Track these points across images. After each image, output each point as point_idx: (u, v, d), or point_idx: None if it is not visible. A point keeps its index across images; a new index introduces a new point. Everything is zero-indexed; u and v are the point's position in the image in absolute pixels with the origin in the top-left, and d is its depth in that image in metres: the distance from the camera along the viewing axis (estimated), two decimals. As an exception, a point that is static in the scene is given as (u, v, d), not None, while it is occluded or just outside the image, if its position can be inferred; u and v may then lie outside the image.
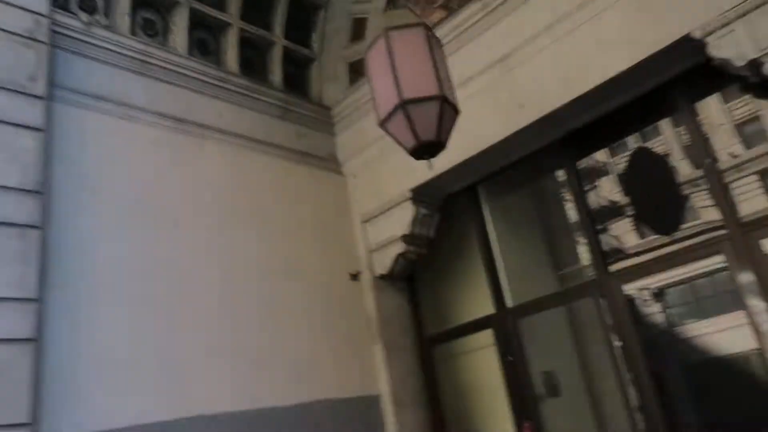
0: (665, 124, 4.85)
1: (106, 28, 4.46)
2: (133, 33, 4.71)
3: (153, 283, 4.13)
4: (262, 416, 4.35)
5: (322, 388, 4.82)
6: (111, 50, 4.45)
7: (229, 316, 4.48)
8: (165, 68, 4.77)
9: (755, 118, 4.39)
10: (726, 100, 4.40)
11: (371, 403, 5.19)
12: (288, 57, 5.96)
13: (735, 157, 4.28)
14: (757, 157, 4.29)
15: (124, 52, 4.52)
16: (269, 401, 4.44)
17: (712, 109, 4.35)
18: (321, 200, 5.65)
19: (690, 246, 4.32)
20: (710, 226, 4.28)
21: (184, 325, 4.19)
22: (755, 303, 3.83)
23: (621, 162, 5.21)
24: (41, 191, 3.62)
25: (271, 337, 4.67)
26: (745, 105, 4.43)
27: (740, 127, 4.34)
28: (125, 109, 4.45)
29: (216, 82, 5.12)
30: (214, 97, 5.11)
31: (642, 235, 5.04)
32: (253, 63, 5.71)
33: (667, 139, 5.04)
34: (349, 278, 5.54)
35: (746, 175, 4.25)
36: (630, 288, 4.62)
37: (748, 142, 4.35)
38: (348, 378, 5.08)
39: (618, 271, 4.63)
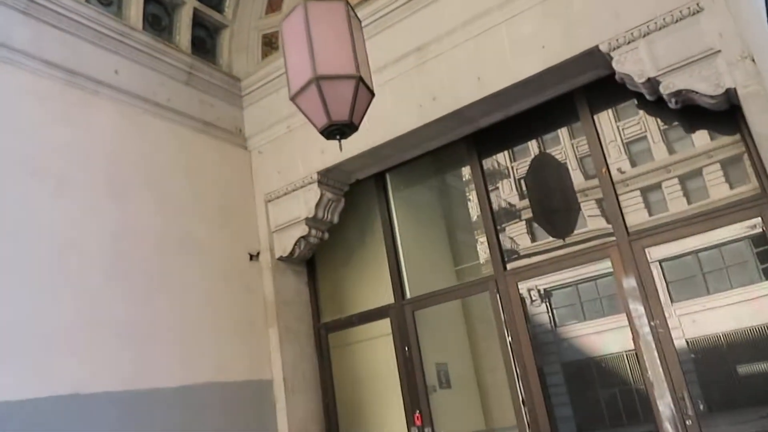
0: (563, 133, 5.11)
1: (-11, -42, 3.98)
2: (22, -32, 4.23)
3: (28, 246, 3.75)
4: (145, 397, 4.09)
5: (212, 370, 4.62)
6: (-9, -17, 3.98)
7: (116, 288, 4.17)
8: (57, 12, 4.33)
9: (642, 138, 4.75)
10: (619, 118, 4.72)
11: (263, 387, 5.04)
12: (198, 20, 5.63)
13: (622, 172, 4.58)
14: (639, 175, 4.64)
15: (8, -13, 4.06)
16: (153, 381, 4.18)
17: (606, 126, 4.65)
18: (223, 174, 5.40)
19: (581, 250, 4.55)
20: (601, 233, 4.52)
21: (62, 294, 3.84)
22: (636, 307, 4.09)
23: (521, 167, 5.41)
24: None
25: (159, 314, 4.40)
26: (635, 125, 4.77)
27: (628, 145, 4.70)
28: (6, 51, 3.99)
29: (115, 35, 4.72)
30: (111, 52, 4.72)
31: (537, 238, 5.26)
32: (159, 20, 5.33)
33: (564, 148, 5.29)
34: (248, 258, 5.35)
35: (631, 190, 4.57)
36: (522, 287, 4.83)
37: (633, 161, 4.70)
38: (240, 361, 4.90)
39: (515, 269, 4.79)
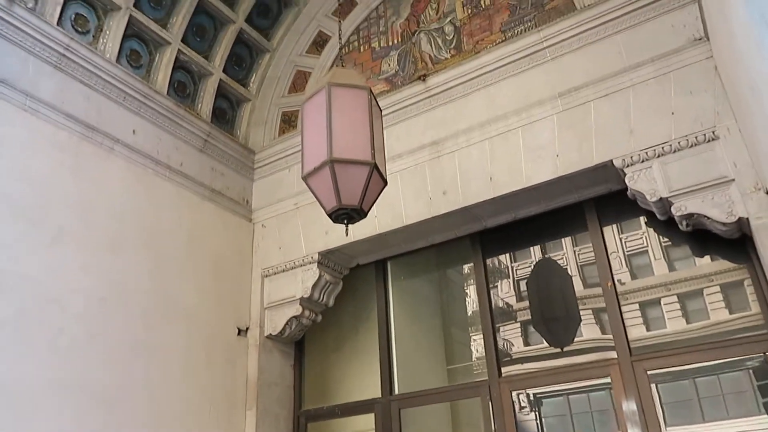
0: (566, 240, 5.10)
1: (31, 11, 4.12)
2: (60, 25, 4.38)
3: (12, 296, 3.62)
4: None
5: (177, 448, 4.35)
6: (29, 35, 4.09)
7: (93, 351, 3.99)
8: (86, 69, 4.44)
9: (643, 252, 4.73)
10: (622, 231, 4.74)
11: (228, 474, 4.73)
12: (222, 91, 5.78)
13: (622, 284, 4.52)
14: (639, 290, 4.58)
15: (45, 41, 4.17)
16: (113, 454, 3.92)
17: (609, 237, 4.65)
18: (223, 244, 5.34)
19: (581, 364, 4.39)
20: (599, 344, 4.39)
21: (34, 353, 3.67)
22: (635, 432, 3.88)
23: (521, 268, 5.36)
24: None
25: (136, 380, 4.20)
26: (638, 239, 4.77)
27: (630, 257, 4.68)
28: (30, 101, 4.04)
29: (139, 97, 4.82)
30: (133, 112, 4.79)
31: (531, 341, 5.10)
32: (184, 87, 5.46)
33: (566, 254, 5.25)
34: (236, 332, 5.18)
35: (629, 303, 4.50)
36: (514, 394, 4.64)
37: (633, 274, 4.65)
38: (209, 441, 4.62)
39: (510, 376, 4.61)
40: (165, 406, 4.34)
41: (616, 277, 4.46)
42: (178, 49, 5.28)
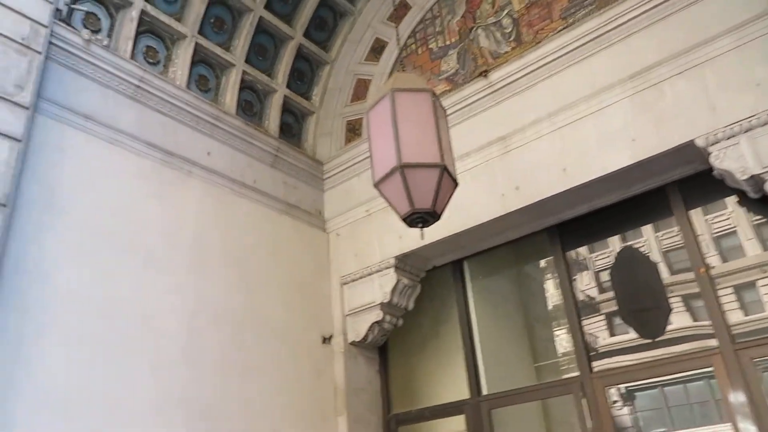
0: (647, 227, 4.90)
1: (106, 48, 4.36)
2: (133, 58, 4.62)
3: (110, 323, 3.83)
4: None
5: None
6: (107, 71, 4.33)
7: (189, 367, 4.17)
8: (160, 98, 4.66)
9: (732, 233, 4.46)
10: (707, 212, 4.48)
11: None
12: (287, 106, 5.92)
13: (712, 268, 4.28)
14: (731, 273, 4.32)
15: (121, 75, 4.41)
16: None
17: (696, 220, 4.41)
18: (302, 255, 5.45)
19: (679, 355, 4.19)
20: (694, 332, 4.20)
21: (137, 371, 3.87)
22: (746, 426, 3.64)
23: (599, 258, 5.19)
24: (5, 204, 3.39)
25: (231, 395, 4.36)
26: (725, 219, 4.49)
27: (718, 240, 4.40)
28: (112, 133, 4.28)
29: (210, 120, 5.01)
30: (206, 135, 4.98)
31: (616, 332, 4.93)
32: (251, 106, 5.64)
33: (648, 241, 5.04)
34: (321, 341, 5.28)
35: (722, 287, 4.25)
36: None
37: (723, 256, 4.39)
38: (305, 449, 4.73)
39: (602, 371, 4.46)
40: (260, 418, 4.48)
41: (705, 262, 4.23)
42: (243, 70, 5.46)
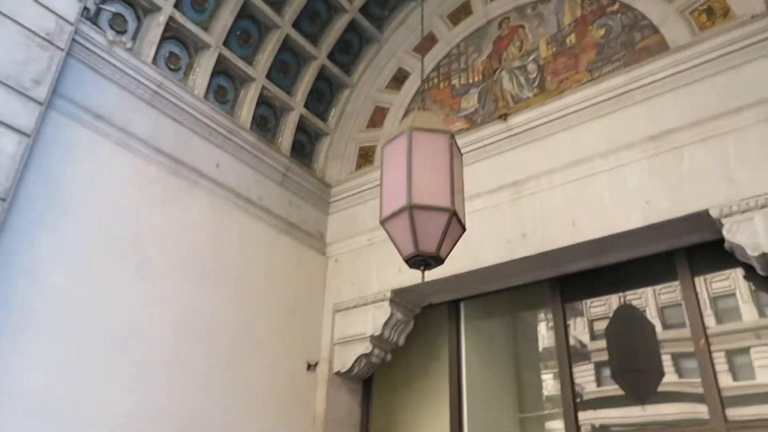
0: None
1: (129, 51, 4.36)
2: (155, 63, 4.61)
3: (93, 328, 3.76)
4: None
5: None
6: (127, 74, 4.32)
7: (170, 382, 4.09)
8: (176, 105, 4.64)
9: (730, 295, 4.45)
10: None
11: None
12: (301, 125, 5.90)
13: (707, 328, 4.23)
14: (725, 333, 4.30)
15: (140, 78, 4.40)
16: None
17: (701, 287, 4.38)
18: (297, 277, 5.38)
19: (668, 423, 4.11)
20: (687, 390, 4.18)
21: (116, 382, 3.79)
22: None
23: (594, 305, 5.15)
24: (4, 198, 3.35)
25: (210, 416, 4.26)
26: (724, 280, 4.48)
27: (715, 300, 4.41)
28: (123, 136, 4.26)
29: (224, 132, 4.98)
30: (217, 146, 4.95)
31: (603, 383, 4.87)
32: (266, 122, 5.62)
33: (647, 301, 5.00)
34: (306, 367, 5.19)
35: (717, 350, 4.19)
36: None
37: (719, 318, 4.38)
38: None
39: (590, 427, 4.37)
40: (234, 440, 4.39)
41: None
42: (263, 85, 5.45)
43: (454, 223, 3.07)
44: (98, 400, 3.67)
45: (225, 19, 5.06)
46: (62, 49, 3.80)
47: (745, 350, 4.21)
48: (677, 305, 4.39)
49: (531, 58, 5.18)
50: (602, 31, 4.84)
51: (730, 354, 4.20)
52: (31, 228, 3.60)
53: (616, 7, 4.81)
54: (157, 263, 4.25)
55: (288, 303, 5.19)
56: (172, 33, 4.81)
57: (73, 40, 3.96)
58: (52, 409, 3.45)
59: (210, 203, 4.77)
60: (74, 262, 3.77)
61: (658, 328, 4.53)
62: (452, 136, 3.25)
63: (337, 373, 5.30)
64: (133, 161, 4.28)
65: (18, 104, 3.50)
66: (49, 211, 3.71)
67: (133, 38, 4.52)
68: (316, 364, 5.29)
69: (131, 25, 4.54)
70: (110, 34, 4.23)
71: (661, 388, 4.33)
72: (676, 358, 4.43)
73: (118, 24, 4.45)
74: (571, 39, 4.97)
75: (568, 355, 4.72)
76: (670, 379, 4.35)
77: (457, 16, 5.88)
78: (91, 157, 4.04)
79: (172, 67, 4.82)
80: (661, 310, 4.69)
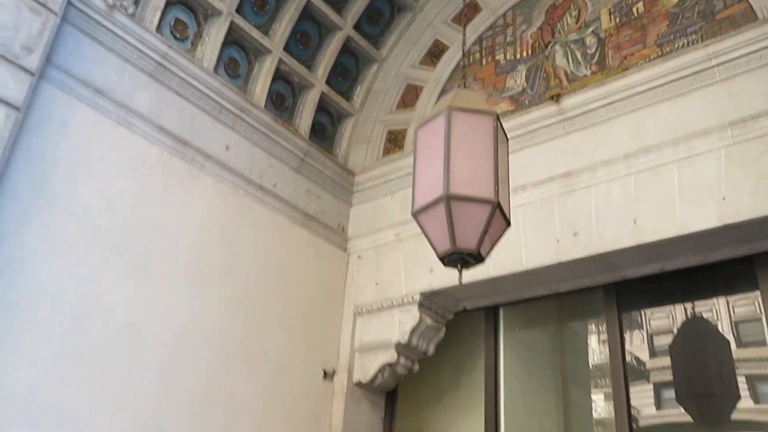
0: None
1: (131, 17, 4.28)
2: (159, 31, 4.53)
3: (85, 330, 3.71)
4: None
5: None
6: (128, 42, 4.23)
7: (167, 392, 4.02)
8: (182, 79, 4.55)
9: None
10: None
11: None
12: (322, 104, 5.80)
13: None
14: None
15: (143, 48, 4.31)
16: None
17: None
18: (314, 275, 5.30)
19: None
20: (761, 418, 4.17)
21: (106, 389, 3.73)
22: None
23: (654, 317, 5.07)
24: (-11, 179, 3.32)
25: (209, 427, 4.22)
26: None
27: None
28: (125, 113, 4.18)
29: (235, 110, 4.89)
30: (227, 126, 4.87)
31: (663, 406, 4.84)
32: (283, 100, 5.53)
33: (719, 314, 4.91)
34: (322, 376, 5.12)
35: None
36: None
37: None
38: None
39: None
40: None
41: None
42: (279, 58, 5.35)
43: (497, 217, 2.93)
44: (84, 410, 3.62)
45: (238, -18, 4.97)
46: (56, 14, 3.73)
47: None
48: (756, 320, 4.26)
49: (590, 30, 5.04)
50: (676, -1, 4.65)
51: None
52: (18, 217, 3.55)
53: (693, -31, 4.63)
54: (157, 260, 4.17)
55: (303, 304, 5.12)
56: (178, -3, 4.74)
57: (69, 3, 3.89)
58: (34, 419, 3.41)
59: (217, 190, 4.69)
60: (64, 257, 3.71)
61: (733, 345, 4.46)
62: (497, 118, 3.10)
63: (358, 384, 5.25)
64: (133, 141, 4.20)
65: (6, 73, 3.45)
66: (37, 197, 3.65)
67: (135, 2, 4.43)
68: (333, 373, 5.23)
69: (132, -15, 4.48)
70: (110, -2, 4.16)
71: (734, 415, 4.27)
72: (752, 380, 4.35)
73: (118, -15, 4.39)
74: (639, 8, 4.80)
75: (624, 372, 4.60)
76: (745, 404, 4.29)
77: (504, -20, 5.74)
78: (87, 135, 3.96)
79: (178, 36, 4.74)
80: (736, 325, 4.62)
